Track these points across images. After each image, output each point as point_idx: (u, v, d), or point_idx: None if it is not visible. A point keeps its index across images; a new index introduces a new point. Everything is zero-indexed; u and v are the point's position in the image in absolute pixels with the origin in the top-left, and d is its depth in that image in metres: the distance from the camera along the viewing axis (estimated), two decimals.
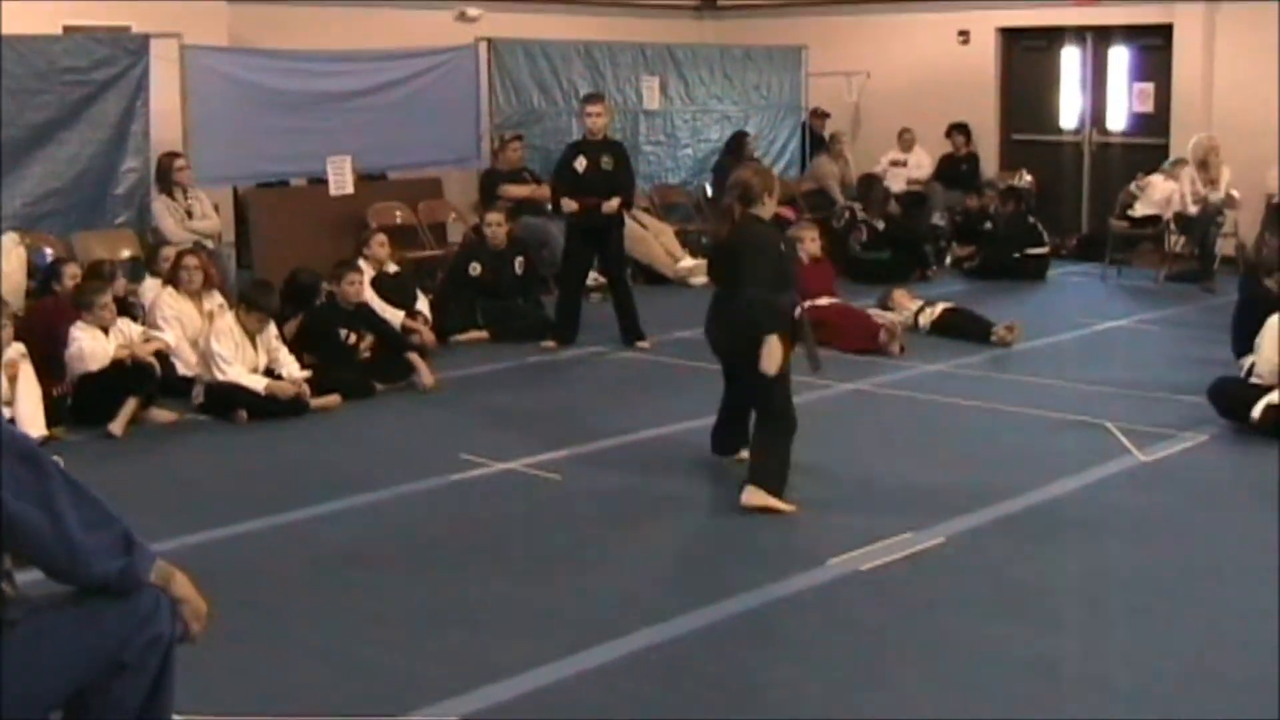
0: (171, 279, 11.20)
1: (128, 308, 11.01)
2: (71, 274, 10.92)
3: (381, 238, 12.66)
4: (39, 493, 3.78)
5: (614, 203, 12.42)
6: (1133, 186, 16.76)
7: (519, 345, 12.57)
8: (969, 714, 5.43)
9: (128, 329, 10.36)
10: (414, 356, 11.20)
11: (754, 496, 7.87)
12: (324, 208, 14.51)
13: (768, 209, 8.25)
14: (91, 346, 9.96)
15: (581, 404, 10.71)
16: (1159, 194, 16.39)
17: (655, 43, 18.11)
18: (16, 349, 9.42)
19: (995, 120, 19.44)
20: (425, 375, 11.11)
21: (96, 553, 3.88)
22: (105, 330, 10.11)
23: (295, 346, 10.93)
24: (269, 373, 10.45)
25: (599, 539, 7.57)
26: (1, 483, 3.71)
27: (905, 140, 19.36)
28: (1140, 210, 16.58)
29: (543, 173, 15.33)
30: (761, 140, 18.59)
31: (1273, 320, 9.40)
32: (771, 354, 7.94)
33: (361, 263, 11.94)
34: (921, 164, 19.24)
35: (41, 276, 11.46)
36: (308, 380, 10.53)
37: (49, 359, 9.88)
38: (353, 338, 11.15)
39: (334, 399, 10.52)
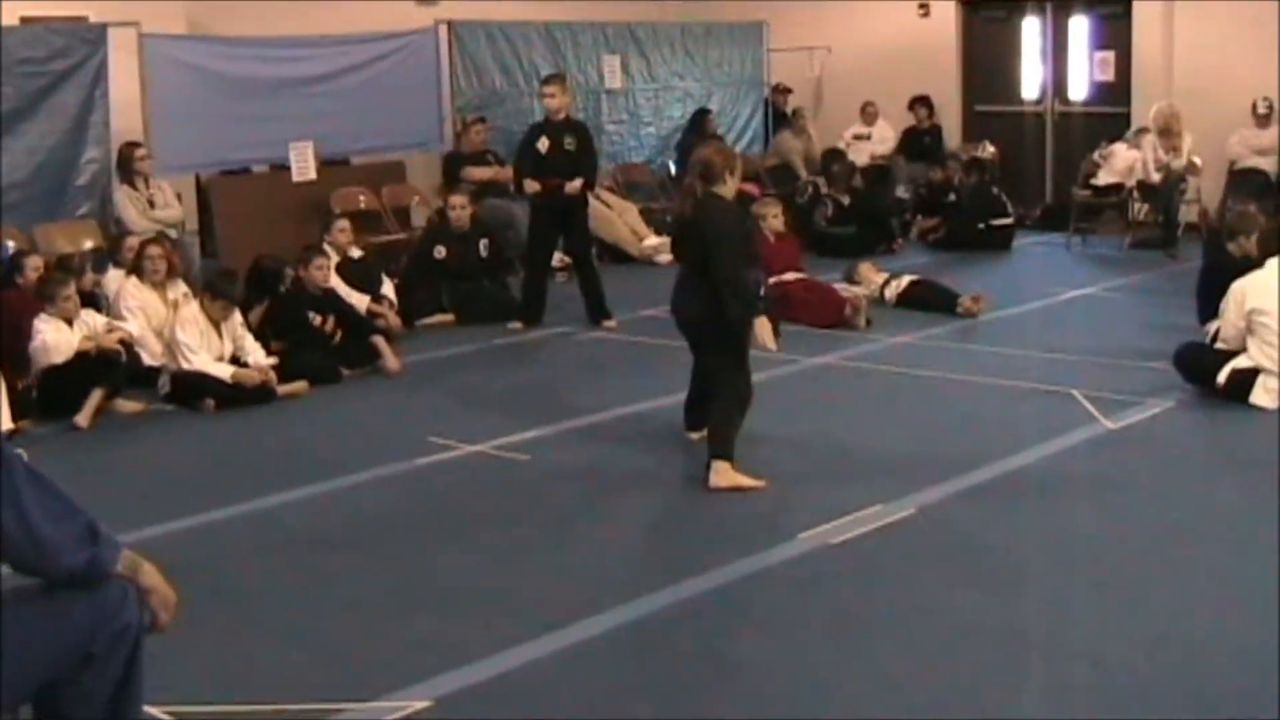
0: (135, 269, 11.14)
1: (92, 299, 10.97)
2: (34, 266, 10.80)
3: (344, 224, 12.63)
4: (2, 486, 3.77)
5: (576, 184, 12.39)
6: (1096, 155, 16.83)
7: (485, 327, 12.55)
8: (941, 682, 5.45)
9: (92, 320, 10.31)
10: (379, 341, 11.18)
11: (721, 477, 7.87)
12: (287, 194, 14.45)
13: (729, 187, 8.25)
14: (55, 339, 9.92)
15: (549, 385, 10.71)
16: (1122, 163, 16.46)
17: (616, 22, 18.08)
18: None
19: (957, 92, 19.46)
20: (390, 360, 11.09)
21: (62, 545, 3.87)
22: (69, 322, 10.06)
23: (262, 332, 10.91)
24: (235, 360, 10.42)
25: (568, 519, 7.58)
26: None
27: (869, 114, 19.34)
28: (1104, 179, 16.64)
29: (506, 155, 15.29)
30: (724, 117, 18.60)
31: (1236, 286, 9.43)
32: (763, 334, 8.21)
33: (326, 248, 11.90)
34: (885, 138, 19.22)
35: (4, 269, 11.39)
36: (274, 367, 10.51)
37: (13, 352, 9.83)
38: (319, 320, 11.12)
39: (302, 385, 10.50)
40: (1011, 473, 8.12)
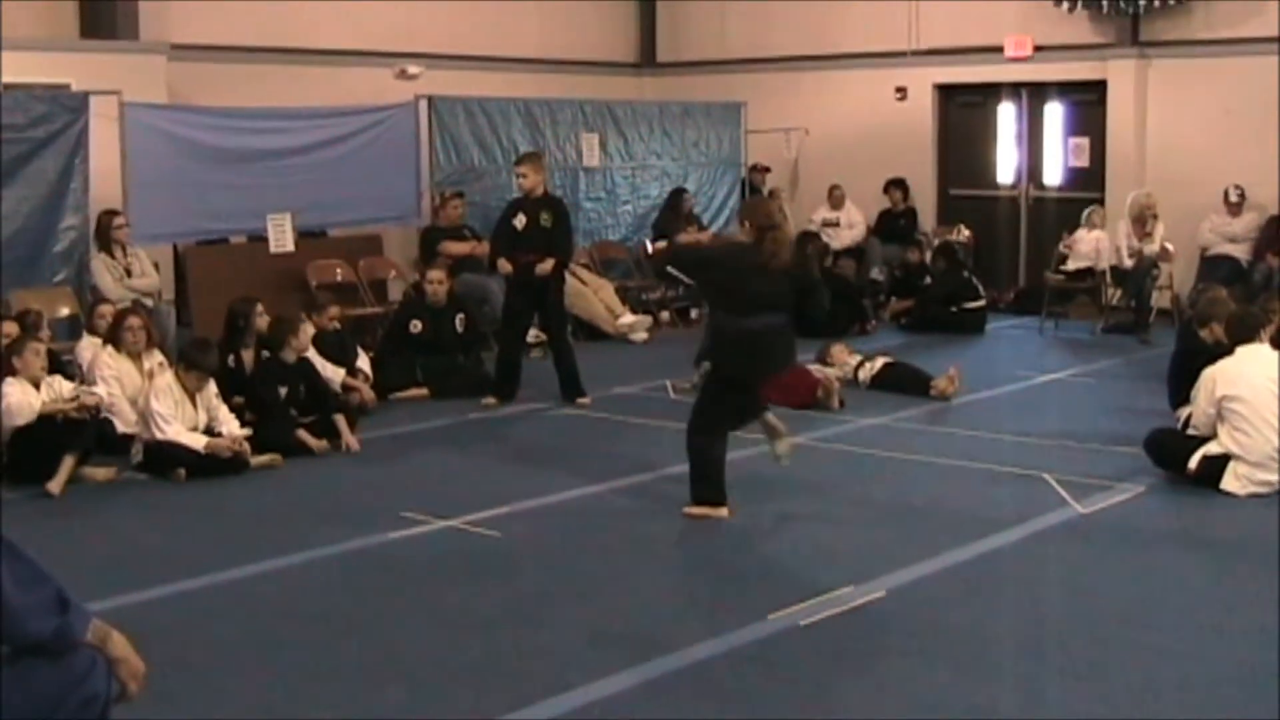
0: (112, 338, 11.09)
1: (62, 366, 10.94)
2: (6, 332, 10.77)
3: (335, 310, 12.67)
4: None
5: (546, 265, 12.42)
6: (1060, 247, 16.96)
7: (459, 402, 12.55)
8: None
9: (59, 385, 10.25)
10: (339, 419, 11.13)
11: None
12: (264, 265, 14.48)
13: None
14: (19, 400, 9.82)
15: (521, 461, 10.70)
16: (1086, 246, 16.67)
17: (595, 99, 18.20)
18: None
19: (933, 176, 19.62)
20: (349, 439, 11.05)
21: (31, 612, 3.86)
22: (36, 384, 10.01)
23: (233, 403, 10.86)
24: (209, 431, 10.40)
25: (538, 596, 7.56)
26: None
27: (835, 197, 19.33)
28: (1072, 265, 16.78)
29: (483, 230, 15.33)
30: (701, 196, 18.69)
31: (1207, 372, 9.48)
32: None
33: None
34: (854, 222, 19.15)
35: None
36: (248, 439, 10.49)
37: None
38: (286, 393, 11.07)
39: (275, 457, 10.48)
40: (983, 556, 8.13)
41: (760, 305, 8.63)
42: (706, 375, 9.01)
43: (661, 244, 12.46)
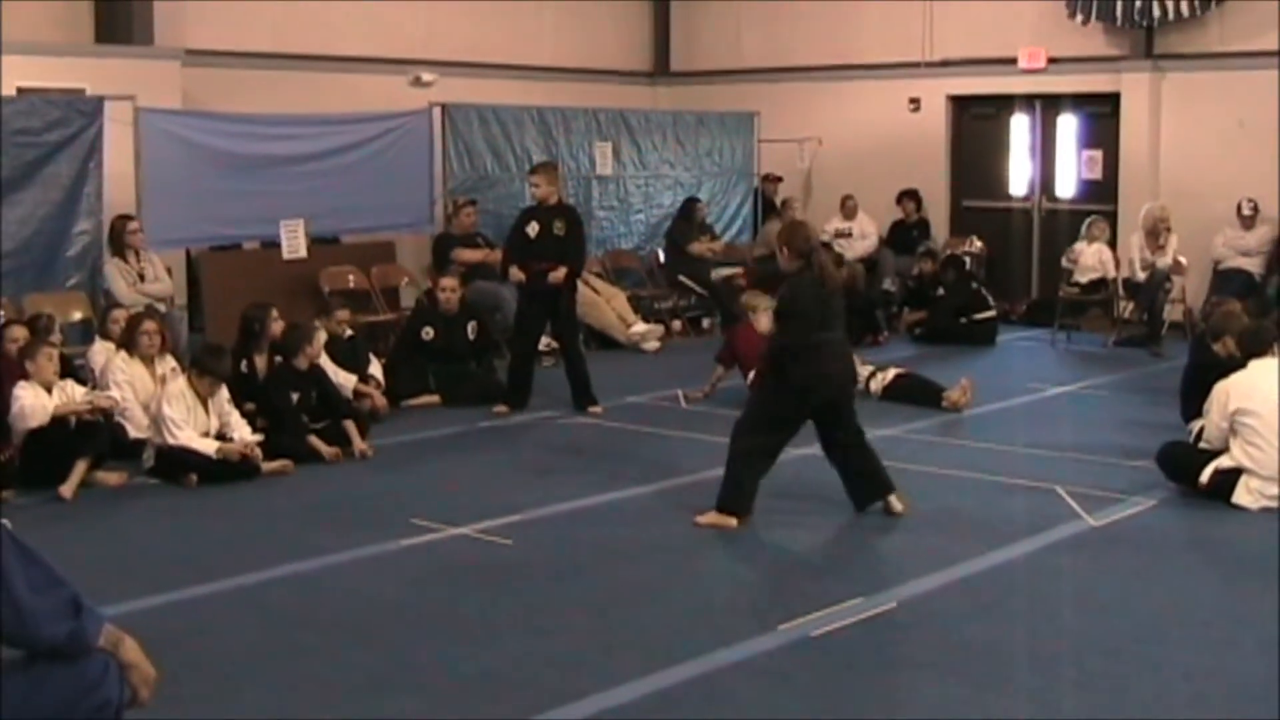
0: (127, 342, 11.10)
1: (74, 371, 10.95)
2: (13, 337, 10.68)
3: (343, 315, 12.65)
4: None
5: (559, 274, 12.42)
6: (1064, 261, 16.94)
7: (471, 410, 12.56)
8: None
9: (71, 390, 10.28)
10: (351, 426, 11.14)
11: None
12: (277, 271, 14.50)
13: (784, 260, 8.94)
14: (32, 403, 9.86)
15: (533, 469, 10.69)
16: (1089, 259, 16.62)
17: (608, 108, 18.21)
18: None
19: (946, 187, 19.60)
20: (360, 445, 11.05)
21: (44, 616, 3.87)
22: (49, 389, 10.04)
23: (245, 410, 10.86)
24: (220, 436, 10.41)
25: (549, 604, 7.55)
26: None
27: (849, 208, 19.27)
28: (1080, 278, 16.76)
29: (495, 237, 15.35)
30: (714, 205, 18.70)
31: (1219, 386, 9.47)
32: None
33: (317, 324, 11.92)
34: (866, 233, 19.08)
35: None
36: (260, 444, 10.49)
37: None
38: (299, 399, 11.07)
39: (287, 464, 10.49)
40: (994, 568, 8.12)
41: (829, 325, 8.88)
42: (768, 389, 8.96)
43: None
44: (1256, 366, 9.44)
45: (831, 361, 8.85)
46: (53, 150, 12.97)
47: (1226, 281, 16.45)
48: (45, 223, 12.95)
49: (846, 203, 19.25)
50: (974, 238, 18.84)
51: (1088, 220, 17.02)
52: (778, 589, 7.74)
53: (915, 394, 12.86)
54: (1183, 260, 16.18)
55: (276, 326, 11.52)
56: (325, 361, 11.67)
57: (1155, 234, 16.08)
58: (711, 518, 8.84)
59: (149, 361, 11.05)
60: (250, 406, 11.01)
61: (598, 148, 17.62)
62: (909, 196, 19.25)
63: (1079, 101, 18.54)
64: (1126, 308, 16.62)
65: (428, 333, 13.28)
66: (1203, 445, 9.65)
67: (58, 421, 9.92)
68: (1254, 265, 16.69)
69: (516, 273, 12.54)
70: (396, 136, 15.78)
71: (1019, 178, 19.25)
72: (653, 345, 16.22)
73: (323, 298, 14.22)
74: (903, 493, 9.16)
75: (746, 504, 8.89)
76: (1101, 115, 18.33)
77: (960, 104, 19.49)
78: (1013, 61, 18.48)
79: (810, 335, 8.76)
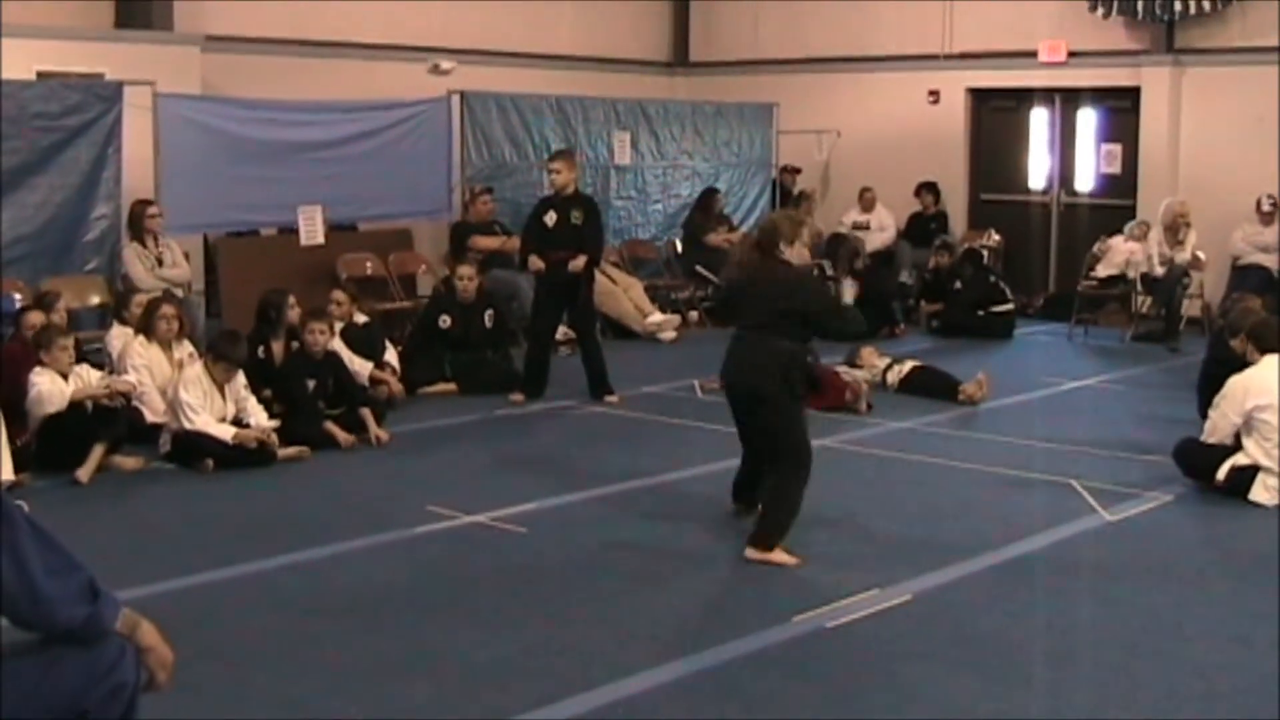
0: (145, 327, 11.11)
1: (87, 355, 10.96)
2: (31, 324, 10.70)
3: (339, 295, 12.50)
4: (3, 539, 3.77)
5: (579, 262, 12.43)
6: (1095, 249, 16.90)
7: (487, 398, 12.56)
8: None
9: (86, 375, 10.30)
10: (365, 414, 11.13)
11: (755, 553, 7.99)
12: (294, 257, 14.51)
13: (792, 253, 8.48)
14: (49, 389, 9.90)
15: (548, 458, 10.70)
16: (1119, 256, 16.59)
17: (627, 98, 18.21)
18: None
19: (964, 180, 19.57)
20: (376, 432, 11.05)
21: (61, 600, 3.88)
22: (64, 375, 10.06)
23: (262, 395, 10.87)
24: (237, 422, 10.42)
25: (564, 593, 7.56)
26: None
27: (866, 200, 19.32)
28: (1102, 271, 16.73)
29: (513, 226, 15.34)
30: (732, 196, 18.70)
31: (1236, 381, 9.44)
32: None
33: (331, 308, 11.90)
34: (884, 225, 19.16)
35: (9, 323, 11.39)
36: (276, 431, 10.51)
37: (12, 405, 9.81)
38: (315, 385, 11.07)
39: (303, 450, 10.50)
40: (1009, 562, 8.11)
41: (740, 320, 8.68)
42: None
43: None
44: (1271, 362, 9.40)
45: (728, 357, 8.50)
46: (72, 135, 13.00)
47: (1244, 277, 16.40)
48: (63, 207, 12.98)
49: (865, 195, 19.26)
50: (992, 231, 18.82)
51: (1134, 222, 16.87)
52: (792, 580, 7.73)
53: (932, 387, 12.84)
54: (1201, 256, 16.15)
55: (294, 313, 11.54)
56: (341, 348, 11.69)
57: (1174, 229, 16.04)
58: (761, 555, 8.07)
59: (166, 346, 11.07)
60: (267, 393, 11.03)
61: (616, 137, 17.63)
62: (927, 189, 19.24)
63: (1099, 95, 18.49)
64: (1144, 303, 16.59)
65: (445, 321, 13.28)
66: (1207, 439, 9.61)
67: (75, 406, 9.95)
68: (1272, 261, 16.63)
69: (536, 262, 12.54)
70: (415, 124, 15.79)
71: (1038, 171, 19.21)
72: (669, 335, 16.22)
73: (340, 285, 14.21)
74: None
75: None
76: (1121, 109, 18.28)
77: (980, 97, 19.46)
78: (1033, 55, 18.45)
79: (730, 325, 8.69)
